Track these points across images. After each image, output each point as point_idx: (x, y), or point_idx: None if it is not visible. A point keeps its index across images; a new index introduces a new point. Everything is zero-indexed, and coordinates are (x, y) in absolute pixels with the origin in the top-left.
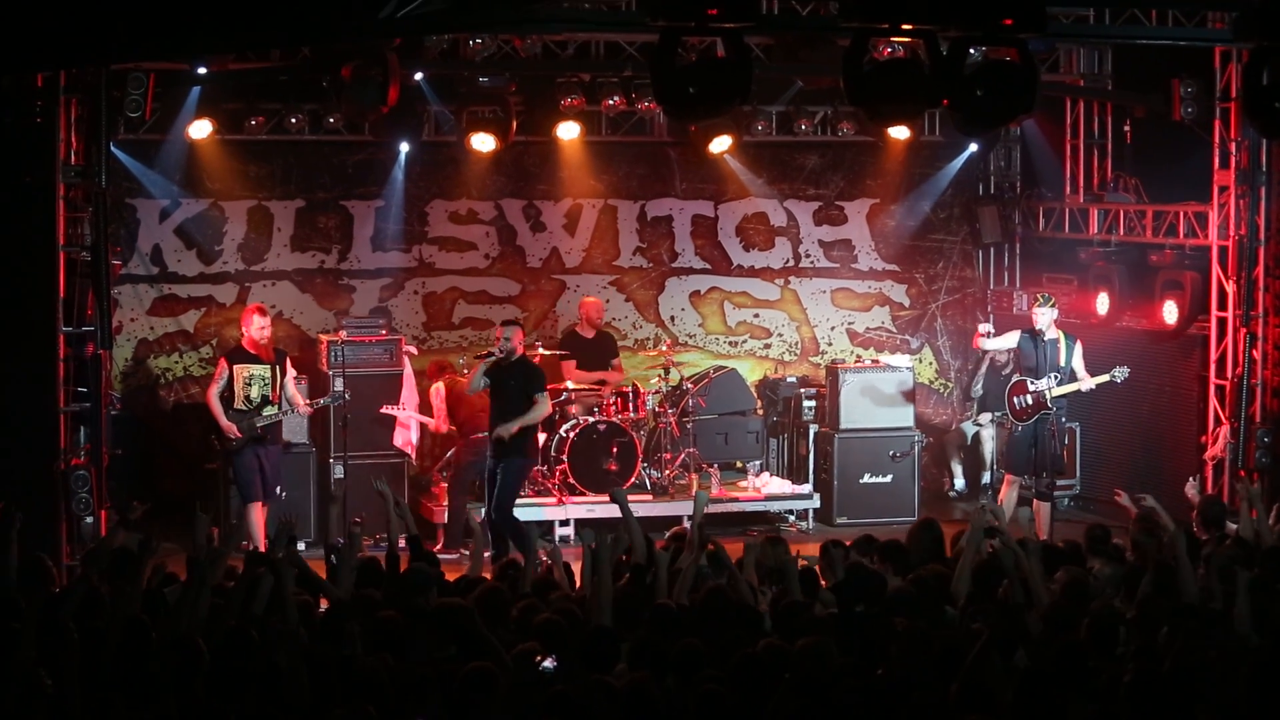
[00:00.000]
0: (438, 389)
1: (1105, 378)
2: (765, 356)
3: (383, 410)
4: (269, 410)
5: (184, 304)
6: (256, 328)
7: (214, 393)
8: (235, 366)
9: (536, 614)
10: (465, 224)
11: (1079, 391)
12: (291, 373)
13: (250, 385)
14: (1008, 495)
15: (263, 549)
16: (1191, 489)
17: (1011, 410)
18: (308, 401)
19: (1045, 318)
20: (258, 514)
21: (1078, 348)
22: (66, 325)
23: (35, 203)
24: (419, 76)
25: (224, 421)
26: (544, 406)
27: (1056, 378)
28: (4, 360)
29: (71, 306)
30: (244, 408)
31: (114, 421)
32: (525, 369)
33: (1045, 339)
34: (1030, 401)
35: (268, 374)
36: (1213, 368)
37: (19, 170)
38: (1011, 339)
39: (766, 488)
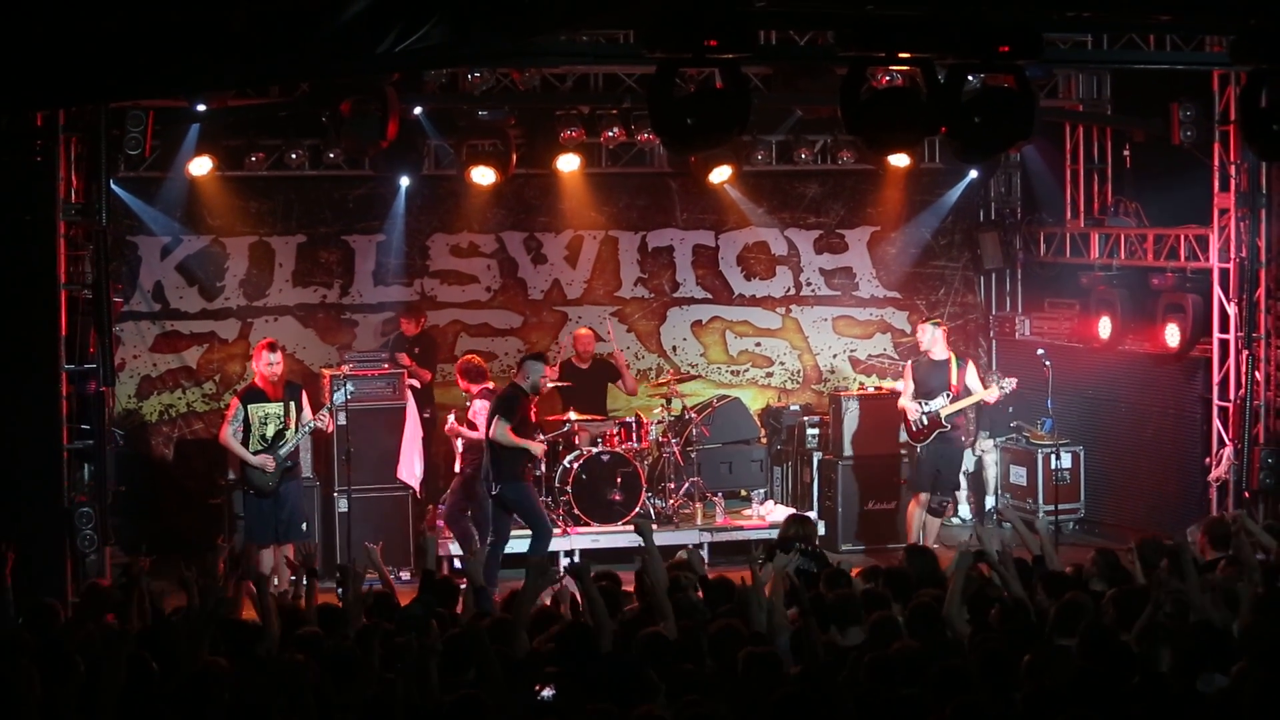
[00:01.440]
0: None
1: (994, 389)
2: (768, 385)
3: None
4: (289, 435)
5: (186, 340)
6: (265, 363)
7: (228, 433)
8: (249, 407)
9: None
10: (466, 257)
11: (983, 404)
12: (308, 409)
13: (266, 424)
14: (915, 513)
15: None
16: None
17: (908, 432)
18: (315, 416)
19: (927, 335)
20: (270, 555)
21: (970, 366)
22: (69, 363)
23: (36, 241)
24: (418, 111)
25: (254, 458)
26: None
27: (948, 396)
28: (6, 398)
29: (73, 344)
30: (260, 447)
31: (117, 458)
32: None
33: (935, 359)
34: (925, 422)
35: (281, 411)
36: (1215, 390)
37: (19, 209)
38: (907, 377)
39: (771, 515)
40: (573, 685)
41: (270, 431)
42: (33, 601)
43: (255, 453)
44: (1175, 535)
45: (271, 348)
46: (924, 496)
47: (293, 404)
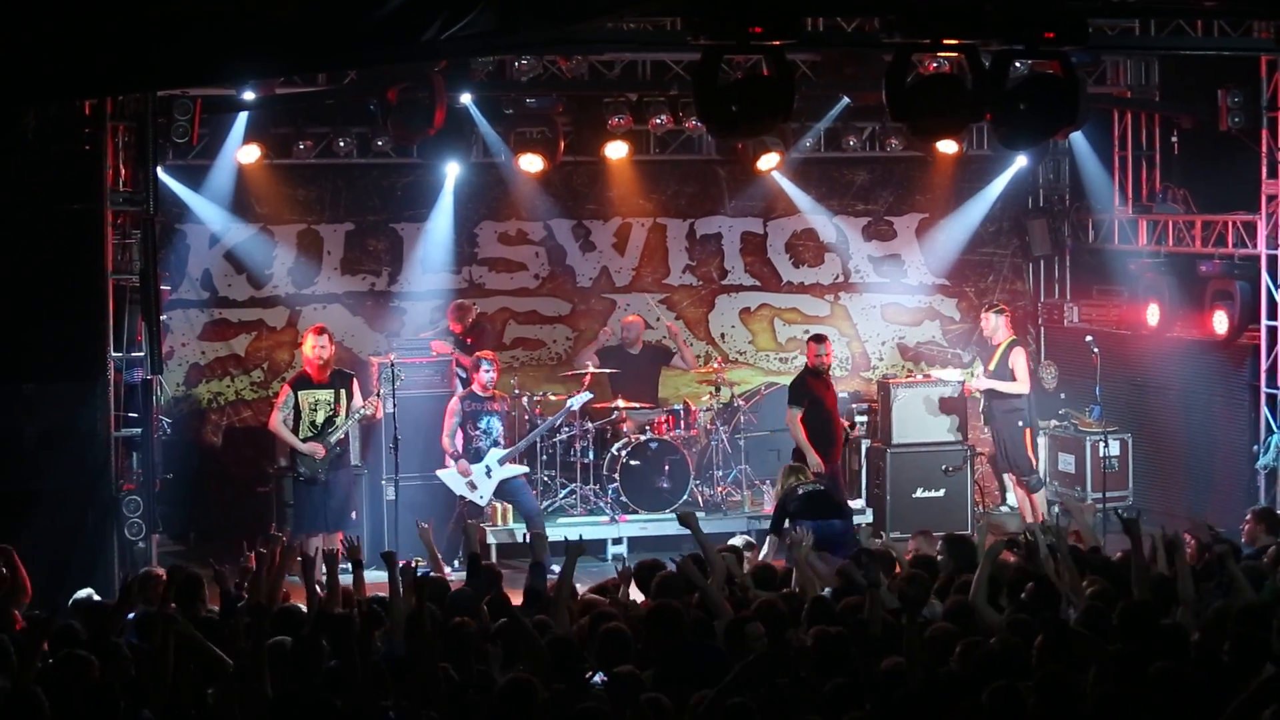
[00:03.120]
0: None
1: (988, 380)
2: None
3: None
4: (338, 422)
5: (235, 328)
6: (310, 345)
7: (278, 419)
8: (300, 393)
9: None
10: (515, 245)
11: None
12: (358, 397)
13: (316, 411)
14: (1019, 497)
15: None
16: None
17: None
18: (365, 402)
19: (989, 324)
20: (319, 543)
21: (1015, 351)
22: (116, 351)
23: (84, 229)
24: (466, 98)
25: (303, 445)
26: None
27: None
28: (55, 386)
29: (121, 332)
30: (310, 434)
31: (165, 446)
32: None
33: (992, 345)
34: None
35: (331, 398)
36: (1263, 377)
37: (68, 197)
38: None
39: None
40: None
41: (320, 418)
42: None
43: (305, 439)
44: (1215, 523)
45: (320, 332)
46: (1007, 478)
47: (343, 391)
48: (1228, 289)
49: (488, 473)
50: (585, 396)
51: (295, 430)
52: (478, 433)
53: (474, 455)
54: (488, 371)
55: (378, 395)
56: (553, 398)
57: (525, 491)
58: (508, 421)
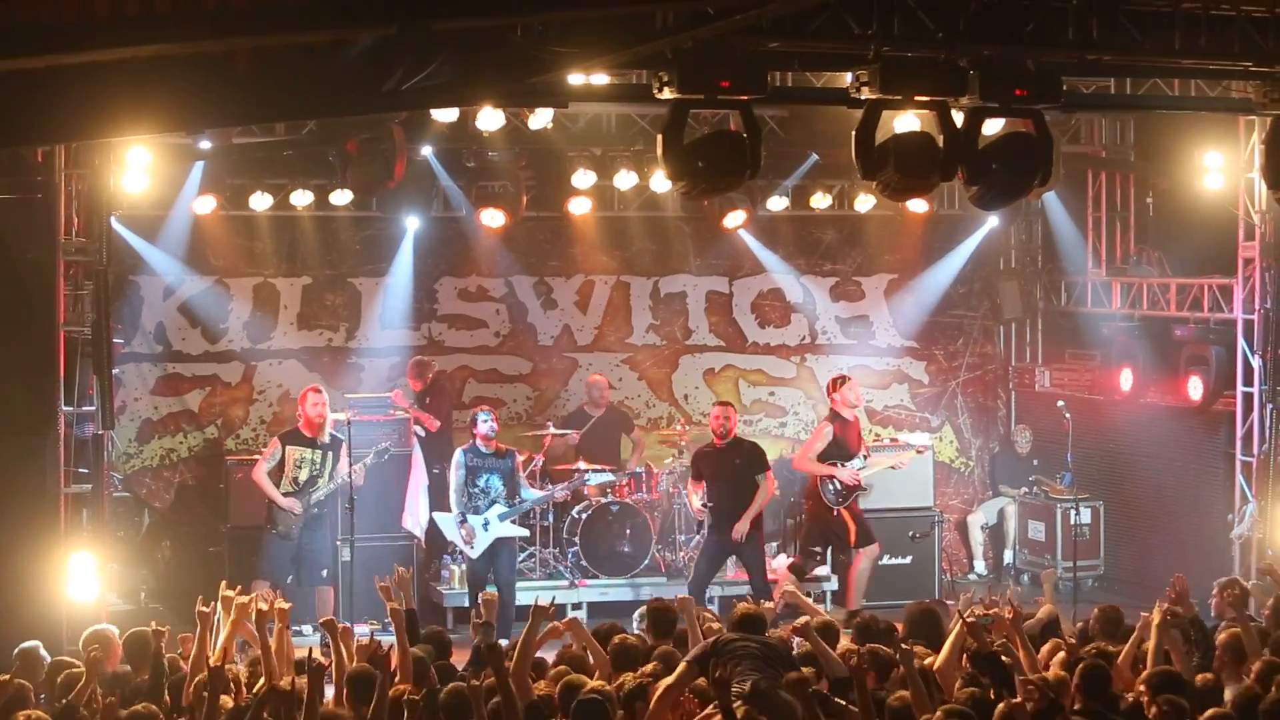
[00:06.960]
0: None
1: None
2: (781, 435)
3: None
4: (321, 483)
5: (188, 383)
6: (311, 404)
7: (263, 469)
8: (288, 448)
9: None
10: (475, 301)
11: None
12: (344, 462)
13: (300, 468)
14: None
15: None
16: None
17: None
18: (353, 469)
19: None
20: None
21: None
22: (67, 405)
23: (35, 280)
24: (427, 150)
25: (283, 500)
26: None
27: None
28: (4, 440)
29: (72, 386)
30: (290, 490)
31: (116, 503)
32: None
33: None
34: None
35: (319, 458)
36: (1239, 444)
37: (19, 247)
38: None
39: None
40: None
41: (303, 476)
42: None
43: (284, 495)
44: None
45: (317, 390)
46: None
47: (331, 454)
48: (1203, 354)
49: (485, 526)
50: (607, 478)
51: (279, 485)
52: (476, 490)
53: (471, 512)
54: (485, 422)
55: (365, 465)
56: None
57: (509, 556)
58: (510, 479)
